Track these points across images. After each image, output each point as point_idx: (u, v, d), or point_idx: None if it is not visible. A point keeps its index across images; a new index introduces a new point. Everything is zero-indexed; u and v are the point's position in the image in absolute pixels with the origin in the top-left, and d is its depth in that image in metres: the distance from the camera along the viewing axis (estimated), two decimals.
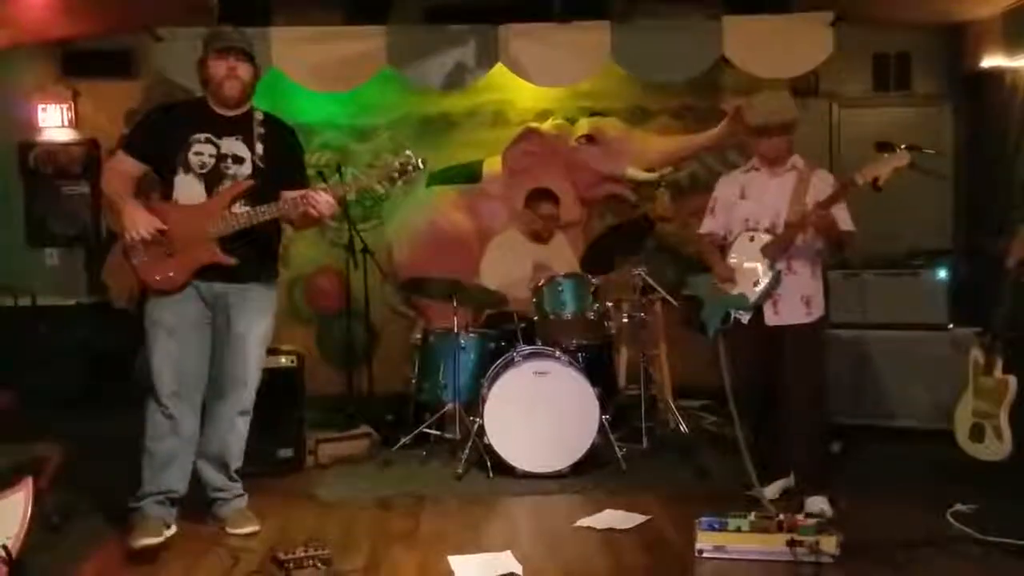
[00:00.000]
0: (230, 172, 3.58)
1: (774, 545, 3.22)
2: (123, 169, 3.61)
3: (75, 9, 5.67)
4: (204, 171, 3.55)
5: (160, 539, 3.43)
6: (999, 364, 4.14)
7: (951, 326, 5.06)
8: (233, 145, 3.59)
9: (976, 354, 4.27)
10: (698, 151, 6.16)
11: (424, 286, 5.09)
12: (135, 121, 3.68)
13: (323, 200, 3.52)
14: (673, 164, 6.19)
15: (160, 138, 3.58)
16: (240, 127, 3.62)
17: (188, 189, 3.55)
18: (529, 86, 6.05)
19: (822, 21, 5.58)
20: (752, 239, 3.95)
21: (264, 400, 4.40)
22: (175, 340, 3.55)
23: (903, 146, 3.66)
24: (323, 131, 6.52)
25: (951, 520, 3.63)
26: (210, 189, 3.56)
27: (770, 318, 3.94)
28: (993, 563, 3.27)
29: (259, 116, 3.68)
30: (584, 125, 6.24)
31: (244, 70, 3.58)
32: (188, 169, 3.55)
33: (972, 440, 4.20)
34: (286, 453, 4.61)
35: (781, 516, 3.30)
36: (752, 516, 3.32)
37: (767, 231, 3.92)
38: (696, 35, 5.65)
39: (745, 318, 3.98)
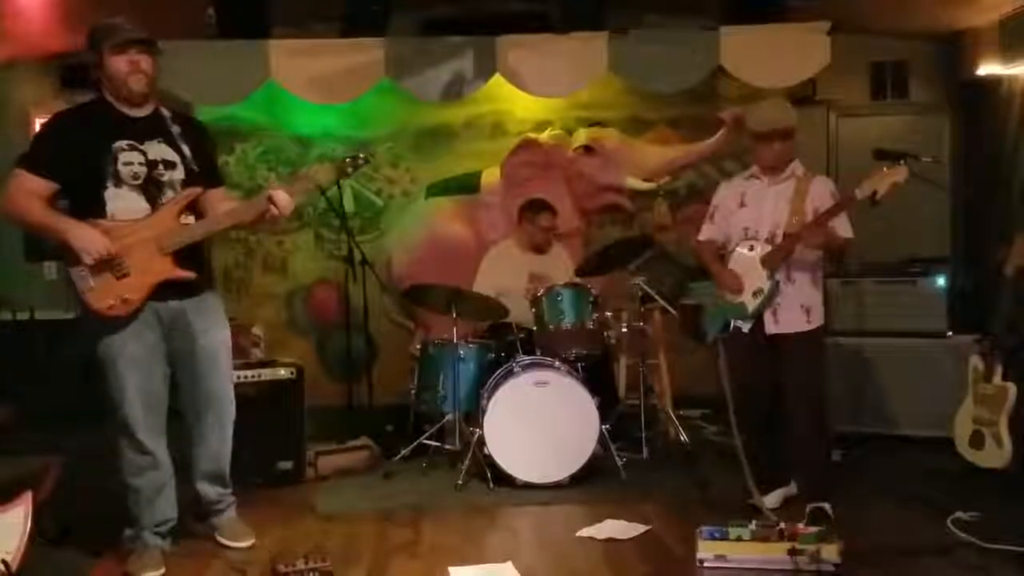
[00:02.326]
0: (165, 179, 3.36)
1: (775, 554, 3.21)
2: (33, 190, 3.27)
3: (73, 24, 5.67)
4: (138, 182, 3.32)
5: (162, 571, 3.40)
6: (998, 371, 4.15)
7: (950, 334, 5.06)
8: (158, 149, 3.37)
9: (976, 361, 4.28)
10: (696, 160, 6.17)
11: (424, 295, 5.08)
12: (35, 136, 3.33)
13: (283, 199, 3.41)
14: (671, 173, 6.19)
15: (76, 151, 3.28)
16: (157, 128, 3.40)
17: (127, 203, 3.31)
18: (527, 97, 6.05)
19: (819, 30, 5.57)
20: (751, 249, 3.97)
21: (264, 412, 4.42)
22: (139, 371, 3.36)
23: (901, 161, 3.67)
24: (321, 143, 6.52)
25: (952, 528, 3.62)
26: (152, 200, 3.34)
27: (770, 327, 3.95)
28: (994, 571, 3.26)
29: (167, 113, 3.46)
30: (582, 135, 6.24)
31: (147, 63, 3.32)
32: (120, 182, 3.30)
33: (972, 447, 4.21)
34: (286, 465, 4.61)
35: (782, 525, 3.29)
36: (753, 525, 3.32)
37: (766, 241, 3.93)
38: (693, 45, 5.65)
39: (745, 327, 3.99)
